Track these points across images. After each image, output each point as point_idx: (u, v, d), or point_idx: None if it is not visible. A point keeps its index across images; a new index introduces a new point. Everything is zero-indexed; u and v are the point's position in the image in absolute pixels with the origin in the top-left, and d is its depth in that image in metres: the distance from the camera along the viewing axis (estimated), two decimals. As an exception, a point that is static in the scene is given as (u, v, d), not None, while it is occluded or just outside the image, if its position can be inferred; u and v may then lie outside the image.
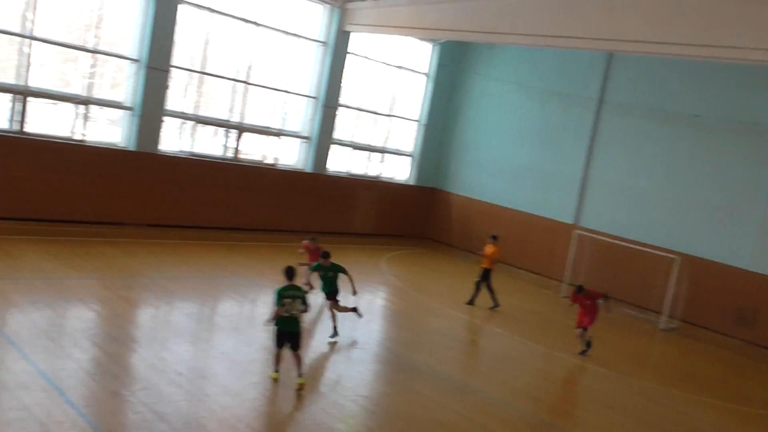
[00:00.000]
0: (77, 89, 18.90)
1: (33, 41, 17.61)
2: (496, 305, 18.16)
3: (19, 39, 17.53)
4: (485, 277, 18.19)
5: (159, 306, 13.79)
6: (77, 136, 18.68)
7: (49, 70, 19.14)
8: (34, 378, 9.35)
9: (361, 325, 14.39)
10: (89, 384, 9.57)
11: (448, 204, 27.55)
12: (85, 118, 18.76)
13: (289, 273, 10.76)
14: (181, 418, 9.01)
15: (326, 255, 13.60)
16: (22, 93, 17.57)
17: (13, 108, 17.63)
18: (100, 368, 10.16)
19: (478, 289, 18.16)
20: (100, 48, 18.90)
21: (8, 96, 17.56)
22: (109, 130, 20.02)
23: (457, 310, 17.58)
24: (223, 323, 13.35)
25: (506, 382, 13.04)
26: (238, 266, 17.82)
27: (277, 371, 10.62)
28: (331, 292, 13.60)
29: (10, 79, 17.62)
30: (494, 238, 18.65)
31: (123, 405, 9.19)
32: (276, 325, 10.49)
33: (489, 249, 18.31)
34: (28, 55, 17.58)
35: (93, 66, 18.95)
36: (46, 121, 18.76)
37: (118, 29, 19.77)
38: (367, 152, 26.25)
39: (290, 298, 10.43)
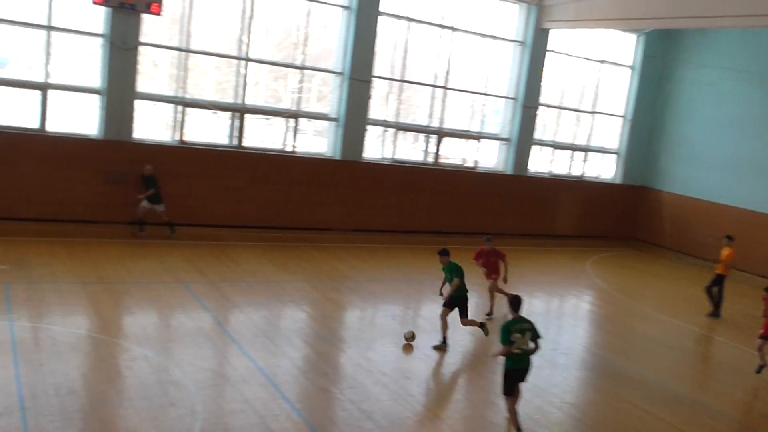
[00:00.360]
0: (287, 104, 20.14)
1: (248, 62, 19.02)
2: (716, 314, 16.68)
3: (236, 61, 19.03)
4: (717, 282, 16.61)
5: (365, 308, 14.27)
6: (288, 148, 19.89)
7: (262, 88, 20.58)
8: (253, 373, 10.03)
9: (566, 329, 13.94)
10: (302, 381, 10.10)
11: (659, 202, 25.95)
12: (295, 130, 19.92)
13: (516, 303, 9.41)
14: (386, 417, 9.23)
15: (442, 252, 12.22)
16: (239, 110, 19.03)
17: (232, 125, 19.16)
18: (311, 366, 10.68)
19: (712, 296, 16.63)
20: (307, 64, 19.99)
21: (228, 114, 19.11)
22: (316, 140, 21.12)
23: (669, 314, 16.48)
24: (426, 325, 13.51)
25: (725, 393, 11.99)
26: (441, 270, 17.94)
27: (519, 430, 9.23)
28: (451, 301, 12.15)
29: (229, 99, 19.17)
30: (729, 238, 16.90)
31: (332, 402, 9.60)
32: (506, 364, 9.28)
33: (725, 252, 16.67)
34: (244, 76, 19.00)
35: (301, 81, 20.06)
36: (261, 135, 20.20)
37: (323, 45, 20.81)
38: (569, 151, 25.46)
39: (519, 333, 9.15)
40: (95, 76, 17.44)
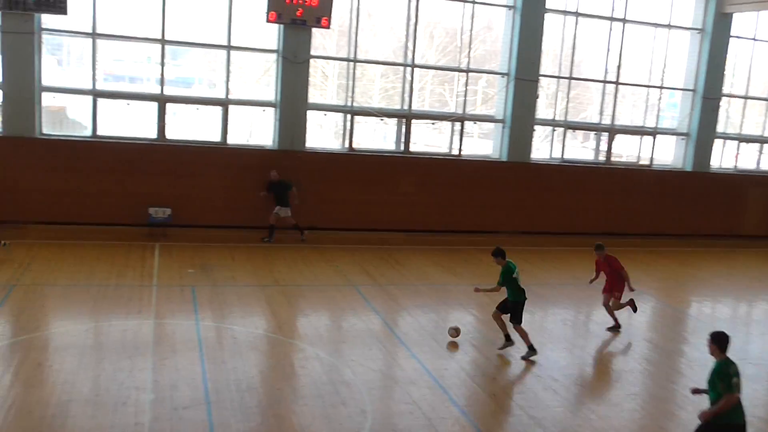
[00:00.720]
0: (453, 108, 20.18)
1: (414, 68, 19.26)
2: None
3: (402, 68, 19.35)
4: None
5: (534, 312, 13.90)
6: (454, 152, 19.91)
7: (427, 93, 20.77)
8: (421, 375, 10.10)
9: (755, 338, 12.87)
10: (469, 384, 10.02)
11: None
12: (461, 133, 19.91)
13: (724, 341, 7.32)
14: (556, 424, 8.94)
15: (496, 253, 11.12)
16: (405, 116, 19.32)
17: (399, 130, 19.49)
18: (479, 370, 10.58)
19: None
20: (472, 66, 19.92)
21: (394, 120, 19.45)
22: (483, 143, 20.99)
23: None
24: (598, 330, 12.98)
25: None
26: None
27: None
28: (504, 303, 11.24)
29: (395, 105, 19.53)
30: None
31: (501, 407, 9.44)
32: (728, 418, 7.23)
33: None
34: (410, 82, 19.27)
35: (466, 84, 20.02)
36: (427, 139, 20.39)
37: (487, 47, 20.69)
38: (757, 144, 23.51)
39: (737, 377, 7.25)
40: (270, 90, 18.40)
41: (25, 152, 16.67)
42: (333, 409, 8.82)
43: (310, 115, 18.61)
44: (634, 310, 13.00)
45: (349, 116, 18.91)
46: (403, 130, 19.43)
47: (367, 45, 19.88)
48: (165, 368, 9.63)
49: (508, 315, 11.15)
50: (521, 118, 19.94)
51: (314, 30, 18.05)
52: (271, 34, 18.01)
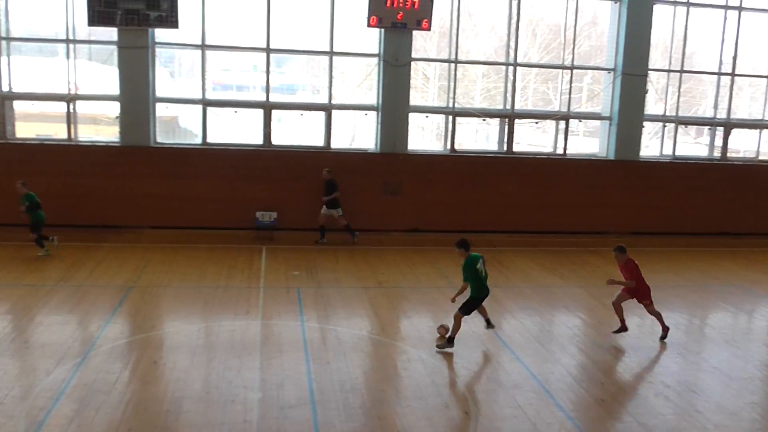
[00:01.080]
0: (557, 106, 19.74)
1: (516, 67, 18.97)
2: None
3: (503, 67, 19.10)
4: None
5: (644, 315, 13.39)
6: (559, 151, 19.47)
7: (530, 91, 20.41)
8: (526, 379, 9.91)
9: None
10: (576, 389, 9.74)
11: None
12: (566, 132, 19.43)
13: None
14: (669, 432, 8.57)
15: (459, 244, 10.88)
16: (508, 116, 19.05)
17: (501, 130, 19.24)
18: (586, 374, 10.27)
19: None
20: (577, 63, 19.42)
21: (497, 120, 19.22)
22: (588, 141, 20.43)
23: None
24: (714, 335, 12.35)
25: None
26: (729, 274, 16.39)
27: None
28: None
29: (497, 105, 19.29)
30: None
31: (609, 413, 9.12)
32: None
33: None
34: (513, 81, 18.98)
35: (570, 81, 19.54)
36: (530, 139, 20.03)
37: (592, 42, 20.12)
38: None
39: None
40: (372, 94, 18.58)
41: (141, 160, 17.54)
42: (436, 412, 8.78)
43: (412, 117, 18.66)
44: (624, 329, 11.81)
45: (450, 117, 18.84)
46: (506, 130, 19.18)
47: (468, 45, 19.74)
48: (272, 368, 9.86)
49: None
50: (629, 115, 19.28)
51: (415, 32, 18.09)
52: (372, 39, 18.19)
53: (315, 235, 17.56)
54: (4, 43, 17.18)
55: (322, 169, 17.84)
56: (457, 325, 10.74)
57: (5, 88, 17.36)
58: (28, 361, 9.91)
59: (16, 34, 17.41)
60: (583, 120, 20.16)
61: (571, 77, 19.38)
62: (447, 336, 10.74)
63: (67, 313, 11.92)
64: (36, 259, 15.00)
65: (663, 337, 11.77)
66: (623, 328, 11.75)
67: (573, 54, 19.22)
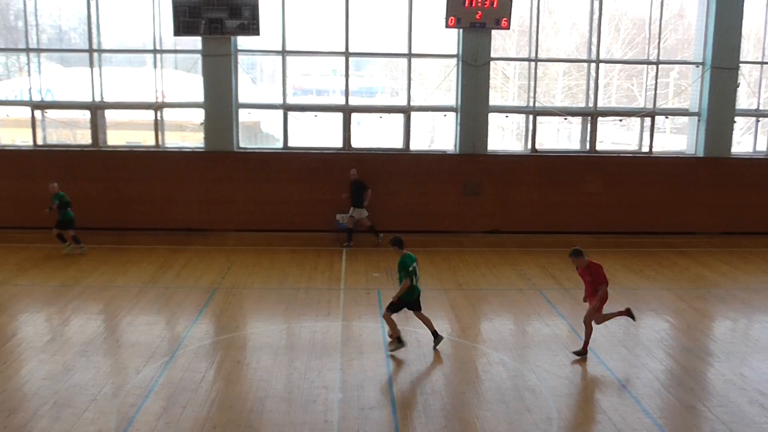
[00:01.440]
0: (642, 102, 19.16)
1: (599, 64, 18.51)
2: None
3: (585, 64, 18.68)
4: None
5: (737, 319, 12.87)
6: (644, 149, 18.89)
7: (613, 88, 19.90)
8: (611, 383, 9.65)
9: None
10: (664, 395, 9.41)
11: None
12: (651, 129, 18.83)
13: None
14: (765, 441, 8.17)
15: (393, 242, 10.95)
16: (591, 114, 18.61)
17: (583, 129, 18.82)
18: (674, 380, 9.91)
19: None
20: (662, 58, 18.80)
21: (579, 119, 18.81)
22: (676, 138, 19.75)
23: None
24: (815, 340, 11.72)
25: None
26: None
27: None
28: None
29: (579, 103, 18.89)
30: None
31: (699, 420, 8.77)
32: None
33: None
34: (595, 78, 18.54)
35: (656, 77, 18.94)
36: (614, 137, 19.51)
37: (679, 35, 19.45)
38: None
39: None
40: (450, 95, 18.50)
41: (225, 165, 17.99)
42: (517, 416, 8.65)
43: (491, 117, 18.47)
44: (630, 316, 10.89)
45: (531, 117, 18.54)
46: (589, 128, 18.73)
47: (549, 43, 19.43)
48: (352, 369, 9.93)
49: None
50: (719, 110, 18.51)
51: (494, 32, 17.90)
52: (450, 39, 18.11)
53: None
54: (95, 55, 17.94)
55: (403, 172, 17.89)
56: (391, 324, 10.61)
57: (97, 98, 18.12)
58: (119, 360, 10.30)
59: (106, 46, 18.16)
60: (669, 116, 19.49)
61: (657, 72, 18.76)
62: (394, 337, 10.61)
63: (156, 314, 12.34)
64: (127, 262, 15.57)
65: (579, 352, 10.63)
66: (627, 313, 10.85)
67: (659, 48, 18.61)
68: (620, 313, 10.81)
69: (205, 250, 16.76)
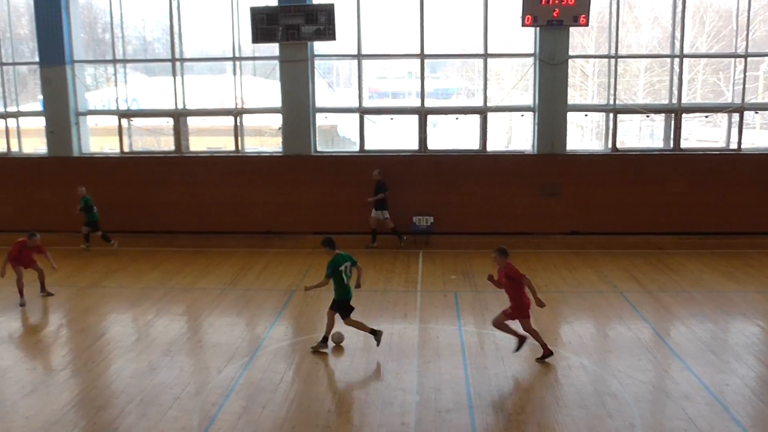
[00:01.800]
0: (729, 98, 18.42)
1: (683, 59, 17.90)
2: None
3: (668, 60, 18.10)
4: None
5: (835, 323, 12.20)
6: (732, 146, 18.15)
7: (699, 83, 19.21)
8: (697, 390, 9.28)
9: None
10: (755, 403, 8.99)
11: None
12: (740, 125, 18.07)
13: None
14: None
15: (324, 243, 10.69)
16: (674, 111, 18.01)
17: (667, 126, 18.22)
18: (766, 387, 9.46)
19: None
20: (751, 51, 18.03)
21: (662, 116, 18.23)
22: (766, 135, 18.89)
23: None
24: None
25: None
26: None
27: None
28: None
29: (662, 100, 18.31)
30: None
31: (794, 430, 8.34)
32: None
33: None
34: (679, 74, 17.93)
35: (744, 71, 18.17)
36: (700, 134, 18.83)
37: (769, 27, 18.63)
38: None
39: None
40: (528, 95, 18.23)
41: (303, 169, 18.25)
42: (598, 421, 8.42)
43: (570, 116, 18.11)
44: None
45: (611, 115, 18.08)
46: (672, 125, 18.12)
47: (629, 39, 18.92)
48: (429, 371, 9.88)
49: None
50: (814, 104, 17.64)
51: (572, 29, 17.55)
52: (527, 38, 17.86)
53: (472, 240, 17.48)
54: (178, 64, 18.50)
55: (479, 173, 17.75)
56: (330, 323, 10.67)
57: (180, 106, 18.69)
58: (202, 360, 10.56)
59: (188, 55, 18.71)
60: (759, 111, 18.66)
61: (745, 66, 17.99)
62: (370, 333, 10.65)
63: (236, 315, 12.61)
64: (209, 265, 15.97)
65: (543, 356, 10.26)
66: (520, 342, 10.41)
67: (747, 41, 17.85)
68: (516, 336, 10.37)
69: (284, 253, 17.03)
